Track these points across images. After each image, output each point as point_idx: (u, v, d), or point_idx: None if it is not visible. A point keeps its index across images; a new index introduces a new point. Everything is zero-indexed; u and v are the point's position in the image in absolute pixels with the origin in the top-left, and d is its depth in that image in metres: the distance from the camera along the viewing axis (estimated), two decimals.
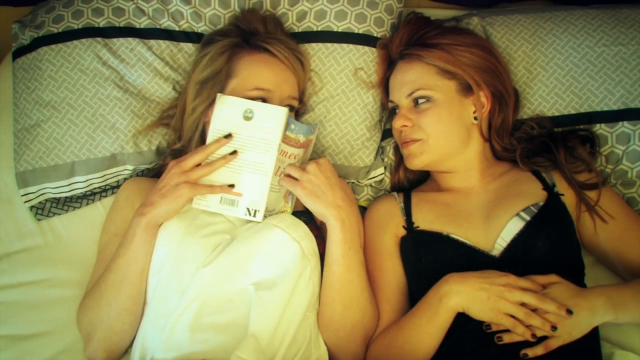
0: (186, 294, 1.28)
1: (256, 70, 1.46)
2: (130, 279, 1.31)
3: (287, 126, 1.32)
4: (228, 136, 1.31)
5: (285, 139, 1.33)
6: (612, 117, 1.56)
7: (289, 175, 1.33)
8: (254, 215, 1.31)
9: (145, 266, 1.33)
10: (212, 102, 1.44)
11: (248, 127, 1.31)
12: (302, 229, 1.34)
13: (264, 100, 1.43)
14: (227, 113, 1.33)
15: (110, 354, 1.37)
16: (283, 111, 1.31)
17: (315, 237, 1.39)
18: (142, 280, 1.33)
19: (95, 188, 1.63)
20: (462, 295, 1.27)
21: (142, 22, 1.67)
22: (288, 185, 1.32)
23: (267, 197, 1.31)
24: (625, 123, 1.55)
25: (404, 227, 1.49)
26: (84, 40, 1.63)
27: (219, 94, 1.36)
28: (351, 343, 1.37)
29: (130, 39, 1.65)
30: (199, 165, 1.32)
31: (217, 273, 1.29)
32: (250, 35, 1.54)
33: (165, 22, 1.67)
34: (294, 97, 1.50)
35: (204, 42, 1.59)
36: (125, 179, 1.65)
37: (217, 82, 1.46)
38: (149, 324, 1.31)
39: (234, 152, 1.31)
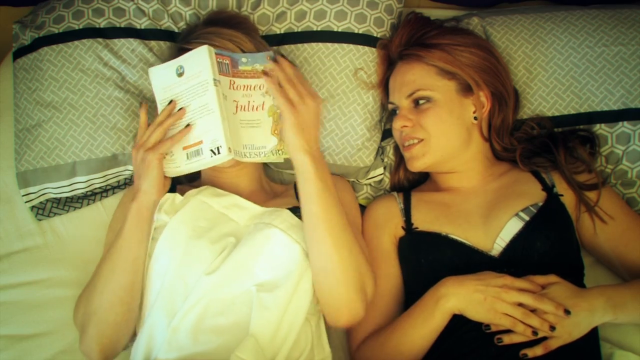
0: (190, 297, 1.28)
1: None
2: (122, 266, 1.30)
3: (235, 63, 1.35)
4: (171, 103, 1.34)
5: (242, 74, 1.35)
6: (612, 117, 1.56)
7: (288, 100, 1.28)
8: (219, 152, 1.29)
9: (138, 255, 1.32)
10: None
11: (184, 81, 1.33)
12: (282, 217, 1.34)
13: None
14: (162, 80, 1.36)
15: (104, 348, 1.33)
16: (204, 49, 1.31)
17: None
18: (135, 270, 1.32)
19: (96, 188, 1.63)
20: (458, 297, 1.27)
21: (143, 23, 1.67)
22: (284, 106, 1.27)
23: (223, 130, 1.29)
24: (625, 123, 1.55)
25: (403, 227, 1.49)
26: (84, 40, 1.63)
27: (149, 68, 1.39)
28: (347, 289, 1.28)
29: (131, 40, 1.65)
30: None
31: (221, 278, 1.29)
32: (188, 33, 1.53)
33: (166, 23, 1.67)
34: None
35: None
36: (126, 179, 1.65)
37: None
38: (154, 324, 1.31)
39: (181, 109, 1.32)
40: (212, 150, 1.30)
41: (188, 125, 1.32)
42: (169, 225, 1.34)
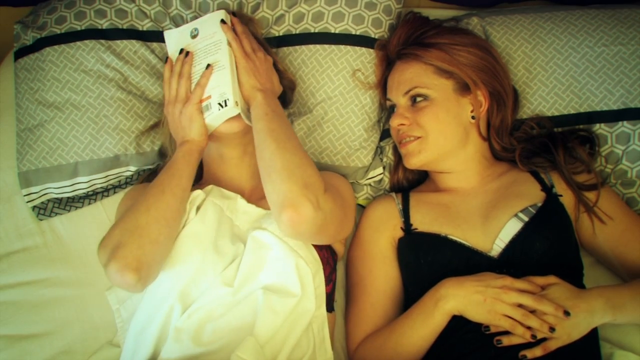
0: (199, 300, 1.29)
1: None
2: (173, 189, 1.32)
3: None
4: (182, 51, 1.43)
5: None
6: (611, 117, 1.56)
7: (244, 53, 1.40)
8: (225, 105, 1.36)
9: (187, 185, 1.35)
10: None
11: (198, 41, 1.43)
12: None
13: None
14: (176, 42, 1.45)
15: (139, 265, 1.23)
16: (221, 12, 1.43)
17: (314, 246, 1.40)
18: (183, 196, 1.34)
19: (97, 188, 1.64)
20: (458, 298, 1.27)
21: (145, 25, 1.67)
22: (240, 54, 1.39)
23: (232, 85, 1.36)
24: (625, 123, 1.55)
25: (401, 228, 1.49)
26: (87, 41, 1.64)
27: (165, 31, 1.49)
28: (290, 185, 1.23)
29: (133, 41, 1.66)
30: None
31: (234, 288, 1.30)
32: None
33: (168, 26, 1.68)
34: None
35: None
36: (127, 179, 1.66)
37: None
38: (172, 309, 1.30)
39: (189, 53, 1.42)
40: (219, 104, 1.36)
41: (209, 65, 1.39)
42: (195, 227, 1.36)
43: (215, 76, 1.38)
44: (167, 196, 1.31)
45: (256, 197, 1.48)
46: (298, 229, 1.23)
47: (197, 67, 1.41)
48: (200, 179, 1.57)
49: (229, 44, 1.40)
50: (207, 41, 1.42)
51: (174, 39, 1.46)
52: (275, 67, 1.51)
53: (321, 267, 1.37)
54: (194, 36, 1.44)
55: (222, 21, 1.42)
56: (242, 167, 1.51)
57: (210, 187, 1.45)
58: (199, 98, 1.38)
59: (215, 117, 1.37)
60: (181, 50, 1.43)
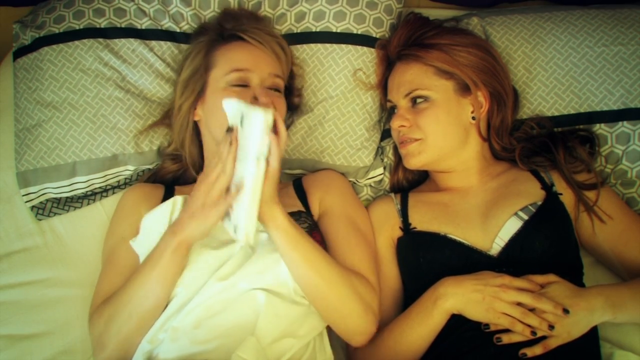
0: (195, 299, 1.29)
1: (232, 55, 1.47)
2: (157, 295, 1.28)
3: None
4: (229, 130, 1.20)
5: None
6: (611, 117, 1.56)
7: None
8: (235, 232, 1.20)
9: (172, 285, 1.29)
10: (195, 99, 1.48)
11: (241, 131, 1.18)
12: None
13: (244, 84, 1.43)
14: (233, 117, 1.20)
15: (125, 355, 1.31)
16: (260, 114, 1.12)
17: (318, 242, 1.40)
18: (167, 297, 1.30)
19: (96, 188, 1.63)
20: (457, 297, 1.27)
21: (144, 23, 1.67)
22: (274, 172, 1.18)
23: (246, 216, 1.16)
24: (625, 123, 1.55)
25: (400, 228, 1.49)
26: (85, 40, 1.64)
27: (223, 100, 1.20)
28: (352, 318, 1.30)
29: (132, 40, 1.65)
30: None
31: (231, 282, 1.30)
32: (224, 30, 1.54)
33: (167, 24, 1.68)
34: (278, 75, 1.48)
35: (188, 48, 1.60)
36: (126, 179, 1.65)
37: (198, 78, 1.49)
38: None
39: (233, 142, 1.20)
40: (233, 225, 1.20)
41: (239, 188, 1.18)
42: None
43: (239, 195, 1.18)
44: (149, 302, 1.28)
45: None
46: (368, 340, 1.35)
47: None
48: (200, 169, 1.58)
49: (266, 160, 1.16)
50: (245, 140, 1.17)
51: (231, 110, 1.19)
52: (290, 88, 1.55)
53: None
54: (240, 122, 1.17)
55: (269, 125, 1.15)
56: None
57: None
58: (224, 211, 1.21)
59: (229, 231, 1.22)
60: (229, 129, 1.20)
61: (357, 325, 1.31)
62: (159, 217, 1.36)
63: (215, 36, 1.53)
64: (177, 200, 1.37)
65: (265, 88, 1.45)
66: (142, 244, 1.36)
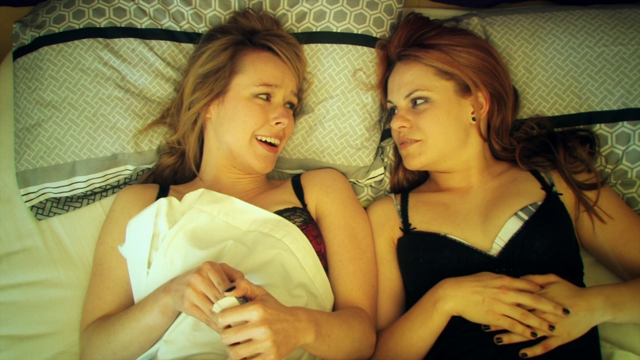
0: None
1: (262, 66, 1.49)
2: (141, 343, 1.30)
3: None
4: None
5: None
6: (612, 117, 1.56)
7: None
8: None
9: (157, 335, 1.29)
10: (213, 97, 1.48)
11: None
12: (293, 235, 1.36)
13: (268, 96, 1.47)
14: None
15: None
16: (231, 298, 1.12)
17: (315, 237, 1.40)
18: (151, 342, 1.30)
19: (95, 188, 1.63)
20: (456, 299, 1.27)
21: (144, 23, 1.67)
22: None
23: None
24: (625, 123, 1.55)
25: (400, 228, 1.49)
26: (85, 40, 1.64)
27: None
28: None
29: (131, 39, 1.65)
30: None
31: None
32: (251, 33, 1.55)
33: (167, 23, 1.67)
34: (295, 92, 1.54)
35: (204, 38, 1.59)
36: (125, 179, 1.65)
37: (220, 77, 1.48)
38: None
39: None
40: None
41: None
42: (169, 241, 1.33)
43: None
44: (134, 347, 1.31)
45: (251, 195, 1.48)
46: None
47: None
48: (194, 177, 1.58)
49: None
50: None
51: None
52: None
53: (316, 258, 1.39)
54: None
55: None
56: (251, 175, 1.53)
57: (199, 191, 1.43)
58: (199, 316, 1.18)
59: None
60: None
61: (363, 355, 1.35)
62: (144, 220, 1.37)
63: (242, 38, 1.53)
64: (162, 202, 1.38)
65: (286, 107, 1.51)
66: (130, 249, 1.38)
